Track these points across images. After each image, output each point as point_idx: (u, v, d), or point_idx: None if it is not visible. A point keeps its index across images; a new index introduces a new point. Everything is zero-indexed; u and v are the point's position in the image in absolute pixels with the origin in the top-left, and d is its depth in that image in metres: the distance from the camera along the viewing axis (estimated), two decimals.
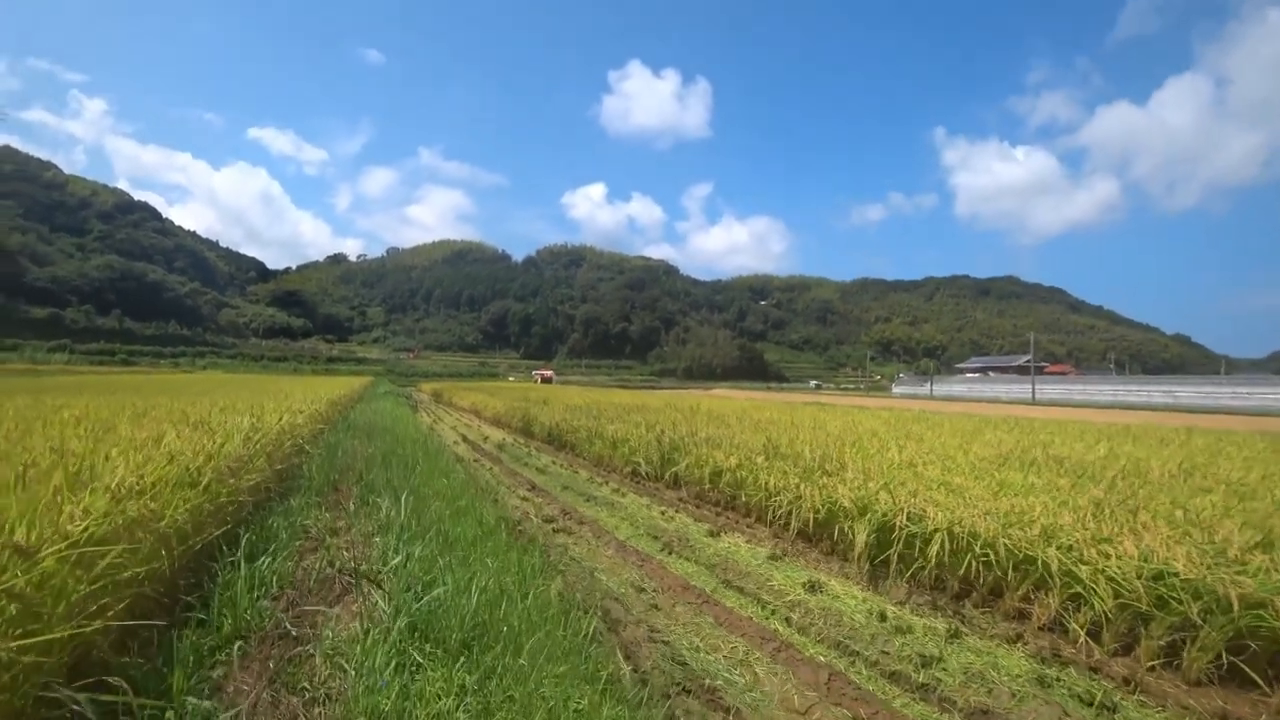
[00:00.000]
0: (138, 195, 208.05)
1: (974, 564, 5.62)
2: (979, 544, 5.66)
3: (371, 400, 26.49)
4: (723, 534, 7.78)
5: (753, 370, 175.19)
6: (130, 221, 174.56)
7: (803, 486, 7.67)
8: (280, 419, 7.50)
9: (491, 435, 18.15)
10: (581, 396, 26.90)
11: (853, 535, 6.63)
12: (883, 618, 5.29)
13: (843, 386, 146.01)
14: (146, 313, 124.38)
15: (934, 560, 5.82)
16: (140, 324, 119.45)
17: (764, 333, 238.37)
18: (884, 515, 6.46)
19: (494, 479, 11.10)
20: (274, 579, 3.73)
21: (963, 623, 5.30)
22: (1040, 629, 5.25)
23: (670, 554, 6.97)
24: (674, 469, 10.50)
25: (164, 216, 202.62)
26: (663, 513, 8.78)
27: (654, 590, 5.71)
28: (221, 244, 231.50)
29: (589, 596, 5.19)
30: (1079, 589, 5.10)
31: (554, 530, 7.56)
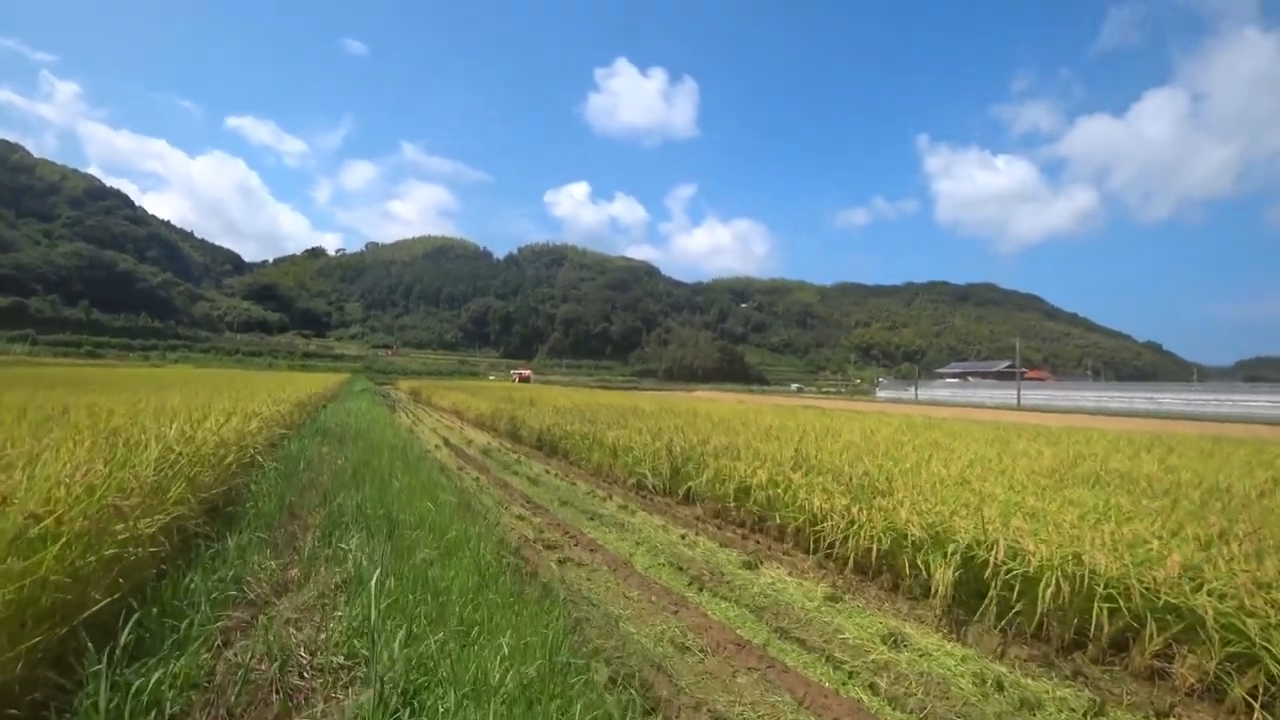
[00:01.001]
0: (110, 182, 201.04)
1: (1098, 612, 4.51)
2: (1102, 585, 4.56)
3: (346, 399, 24.94)
4: (760, 565, 6.60)
5: (733, 372, 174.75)
6: (101, 208, 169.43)
7: (856, 509, 6.52)
8: (225, 423, 6.28)
9: (475, 439, 16.82)
10: (568, 398, 25.61)
11: (927, 571, 5.51)
12: (999, 686, 4.14)
13: (824, 390, 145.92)
14: (116, 304, 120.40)
15: (1044, 606, 4.70)
16: (109, 315, 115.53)
17: (745, 335, 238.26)
18: (968, 547, 5.35)
19: (482, 490, 9.82)
20: (167, 696, 2.40)
21: (1091, 687, 4.18)
22: (1189, 694, 4.18)
23: (703, 591, 5.77)
24: (689, 483, 9.29)
25: (137, 205, 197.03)
26: (682, 536, 7.58)
27: (700, 648, 4.50)
28: (197, 235, 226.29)
29: (621, 658, 3.99)
30: (1242, 647, 4.03)
31: (560, 561, 6.32)
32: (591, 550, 6.81)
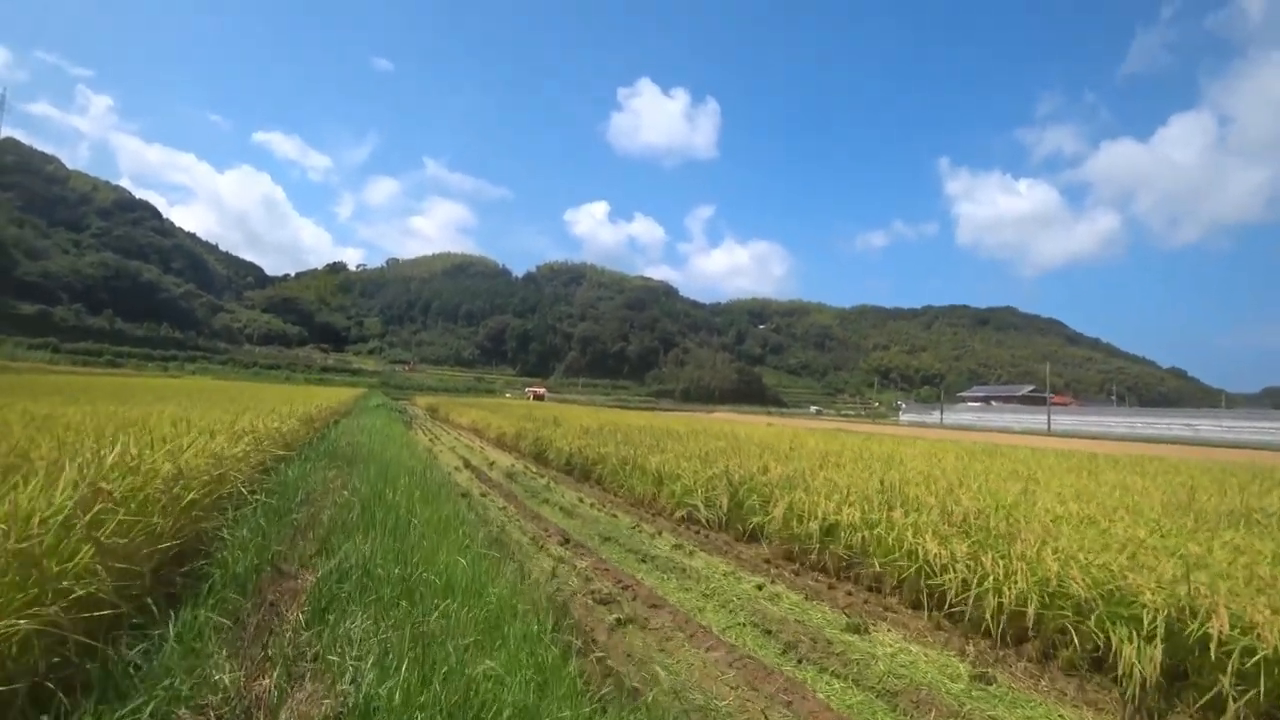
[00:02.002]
0: (140, 194, 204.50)
1: None
2: None
3: (361, 414, 23.87)
4: (869, 628, 5.27)
5: (750, 394, 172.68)
6: (129, 219, 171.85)
7: (985, 558, 5.22)
8: (194, 445, 4.95)
9: (498, 460, 15.60)
10: (592, 417, 24.38)
11: (1109, 641, 4.21)
12: None
13: (843, 413, 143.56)
14: (139, 313, 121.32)
15: None
16: (131, 324, 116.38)
17: (762, 356, 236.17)
18: (1170, 616, 4.05)
19: (510, 521, 8.57)
20: None
21: None
22: None
23: (806, 666, 4.48)
24: (754, 519, 7.98)
25: (164, 216, 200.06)
26: (759, 587, 6.27)
27: None
28: (221, 247, 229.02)
29: None
30: None
31: (618, 622, 5.04)
32: (653, 606, 5.53)
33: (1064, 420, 71.96)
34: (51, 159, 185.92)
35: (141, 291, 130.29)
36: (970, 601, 5.18)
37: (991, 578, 5.12)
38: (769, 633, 5.12)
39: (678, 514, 9.14)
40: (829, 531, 6.88)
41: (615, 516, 9.21)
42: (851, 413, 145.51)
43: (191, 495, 3.82)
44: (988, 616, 5.01)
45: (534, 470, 13.88)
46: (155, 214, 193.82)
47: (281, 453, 7.43)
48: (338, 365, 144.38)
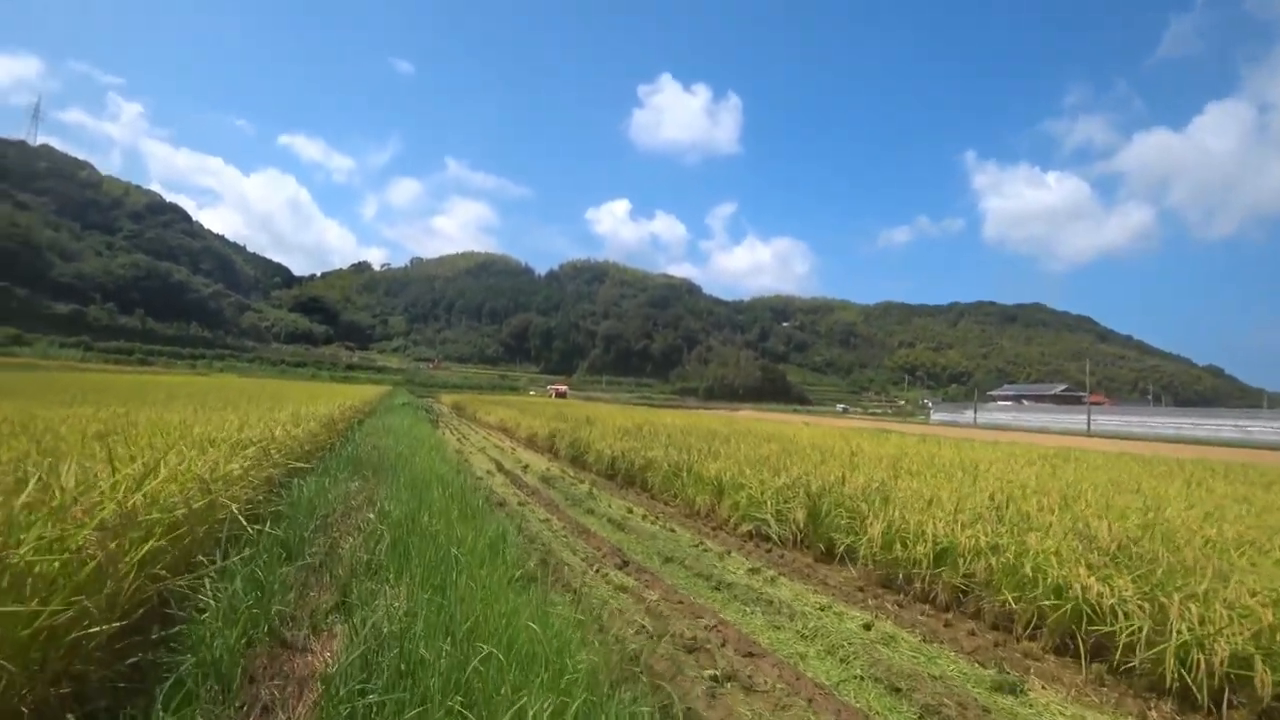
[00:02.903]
0: (170, 198, 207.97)
1: None
2: None
3: (385, 414, 23.11)
4: (1022, 687, 4.21)
5: (775, 392, 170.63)
6: (160, 222, 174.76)
7: (1173, 603, 4.14)
8: (171, 465, 3.81)
9: (531, 463, 14.67)
10: (626, 416, 23.40)
11: None
12: None
13: (870, 411, 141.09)
14: (169, 312, 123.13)
15: None
16: (162, 324, 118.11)
17: (786, 354, 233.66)
18: None
19: (555, 537, 7.61)
20: None
21: None
22: None
23: None
24: (842, 537, 6.92)
25: (193, 219, 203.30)
26: (866, 626, 5.21)
27: None
28: (249, 248, 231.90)
29: None
30: None
31: (714, 681, 4.03)
32: (749, 655, 4.50)
33: (1105, 421, 69.39)
34: (85, 164, 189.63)
35: (171, 291, 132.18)
36: (1121, 645, 4.11)
37: (1184, 626, 4.04)
38: (897, 690, 4.08)
39: (742, 529, 8.11)
40: (941, 556, 5.81)
41: (673, 531, 8.19)
42: (879, 411, 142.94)
43: (151, 545, 2.79)
44: (1184, 676, 3.93)
45: (572, 475, 12.91)
46: (185, 216, 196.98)
47: (297, 464, 6.55)
48: (363, 363, 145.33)
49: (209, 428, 5.76)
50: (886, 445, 15.85)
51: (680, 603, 5.48)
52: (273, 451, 5.69)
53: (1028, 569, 5.08)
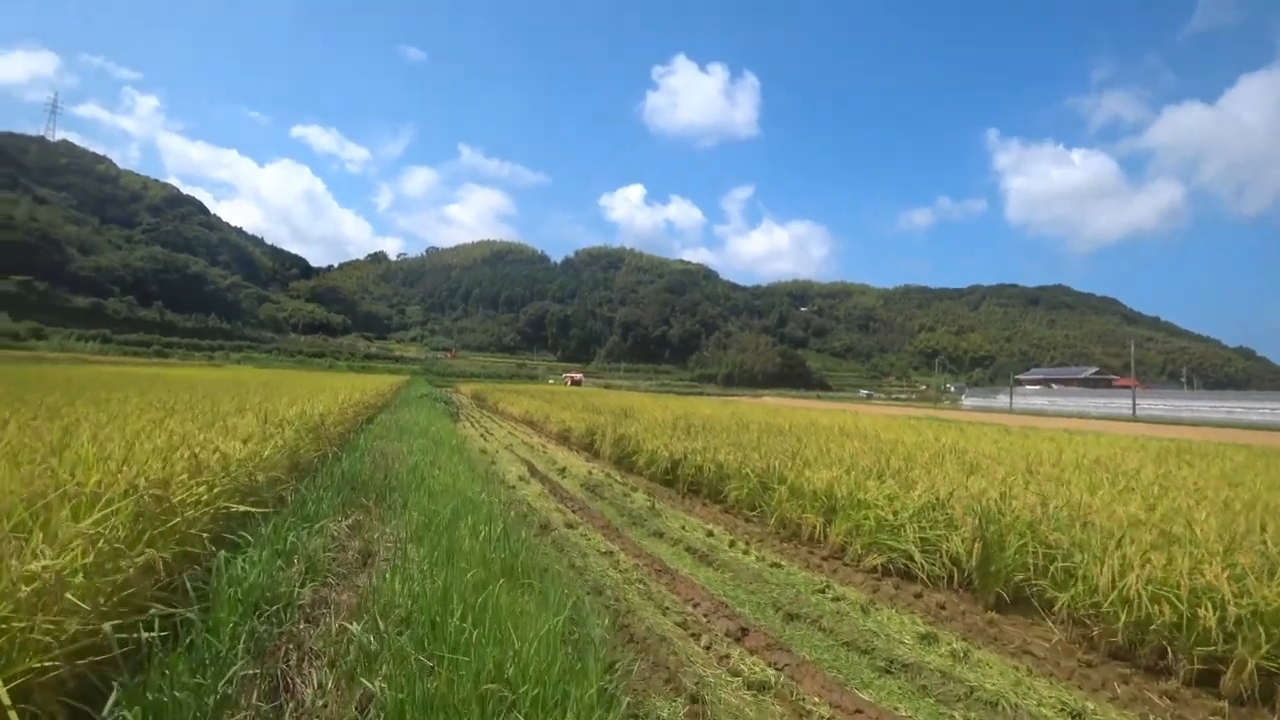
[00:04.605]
0: (187, 191, 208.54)
1: None
2: None
3: (402, 407, 21.26)
4: None
5: (795, 378, 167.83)
6: (178, 215, 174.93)
7: None
8: None
9: (568, 464, 12.71)
10: (660, 406, 21.36)
11: None
12: None
13: (895, 397, 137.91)
14: (187, 304, 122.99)
15: None
16: (180, 316, 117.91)
17: (805, 340, 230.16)
18: None
19: (629, 584, 5.64)
20: None
21: None
22: None
23: None
24: (1045, 586, 4.88)
25: (210, 212, 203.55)
26: None
27: None
28: (267, 240, 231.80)
29: None
30: None
31: None
32: None
33: (1151, 406, 66.30)
34: (103, 159, 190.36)
35: (190, 284, 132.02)
36: None
37: None
38: None
39: (869, 561, 6.10)
40: (1231, 632, 3.77)
41: (779, 566, 6.15)
42: (904, 397, 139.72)
43: None
44: None
45: (619, 480, 10.92)
46: (202, 209, 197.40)
47: (244, 508, 4.09)
48: (380, 353, 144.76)
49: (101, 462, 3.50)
50: (966, 440, 13.74)
51: (860, 712, 3.49)
52: (193, 501, 3.42)
53: None
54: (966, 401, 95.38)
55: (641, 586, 5.41)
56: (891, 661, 4.17)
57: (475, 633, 2.87)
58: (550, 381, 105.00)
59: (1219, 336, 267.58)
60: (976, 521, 5.45)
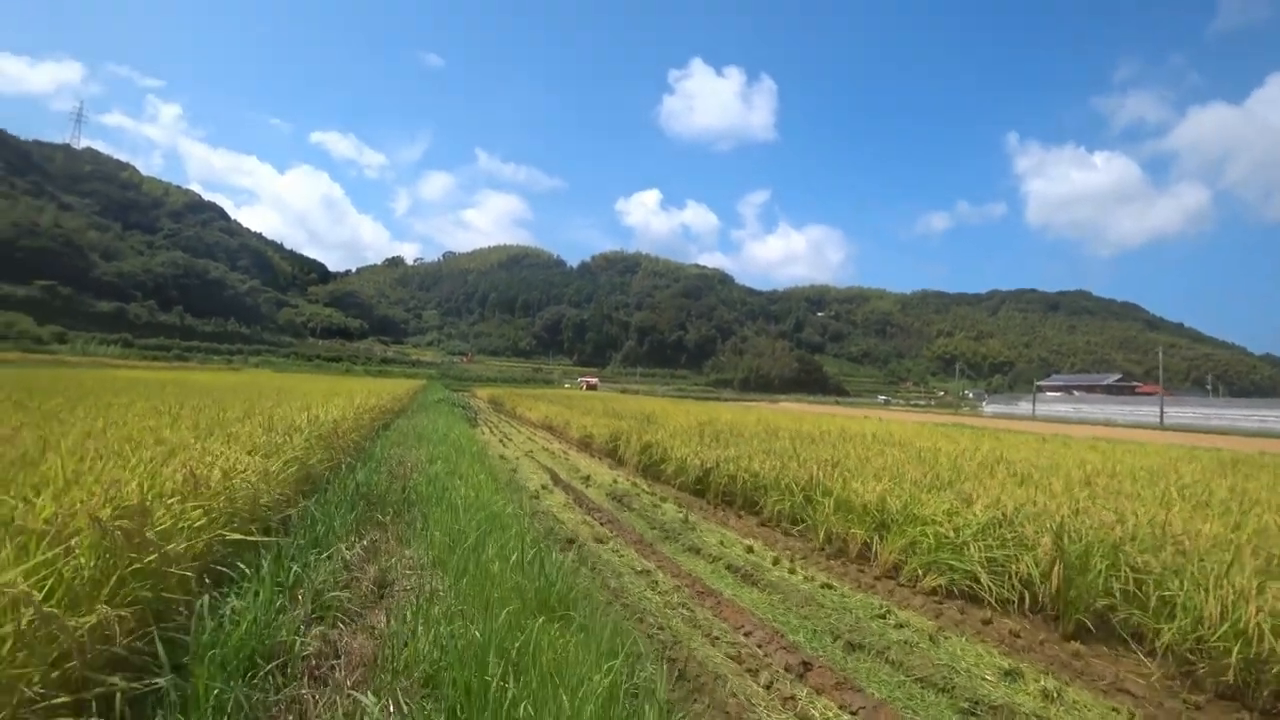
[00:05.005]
0: (209, 197, 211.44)
1: None
2: None
3: (419, 412, 20.94)
4: None
5: (812, 383, 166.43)
6: (199, 221, 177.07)
7: None
8: None
9: (592, 472, 12.30)
10: (682, 412, 20.92)
11: None
12: None
13: (913, 403, 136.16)
14: (207, 309, 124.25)
15: None
16: (200, 320, 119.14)
17: (822, 345, 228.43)
18: None
19: (672, 609, 5.20)
20: None
21: None
22: None
23: None
24: (1136, 615, 4.38)
25: (231, 217, 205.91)
26: None
27: None
28: (286, 245, 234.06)
29: None
30: None
31: None
32: None
33: (1180, 414, 64.61)
34: (126, 166, 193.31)
35: (210, 289, 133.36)
36: None
37: None
38: None
39: (927, 581, 5.61)
40: None
41: (830, 588, 5.67)
42: (922, 403, 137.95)
43: None
44: None
45: (646, 489, 10.48)
46: (222, 215, 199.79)
47: (244, 536, 3.60)
48: (397, 357, 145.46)
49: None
50: (1010, 447, 13.16)
51: None
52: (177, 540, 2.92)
53: None
54: (987, 408, 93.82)
55: (685, 612, 4.96)
56: (976, 703, 3.69)
57: (514, 690, 2.43)
58: (566, 386, 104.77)
59: (1244, 343, 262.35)
60: (1054, 540, 4.94)
